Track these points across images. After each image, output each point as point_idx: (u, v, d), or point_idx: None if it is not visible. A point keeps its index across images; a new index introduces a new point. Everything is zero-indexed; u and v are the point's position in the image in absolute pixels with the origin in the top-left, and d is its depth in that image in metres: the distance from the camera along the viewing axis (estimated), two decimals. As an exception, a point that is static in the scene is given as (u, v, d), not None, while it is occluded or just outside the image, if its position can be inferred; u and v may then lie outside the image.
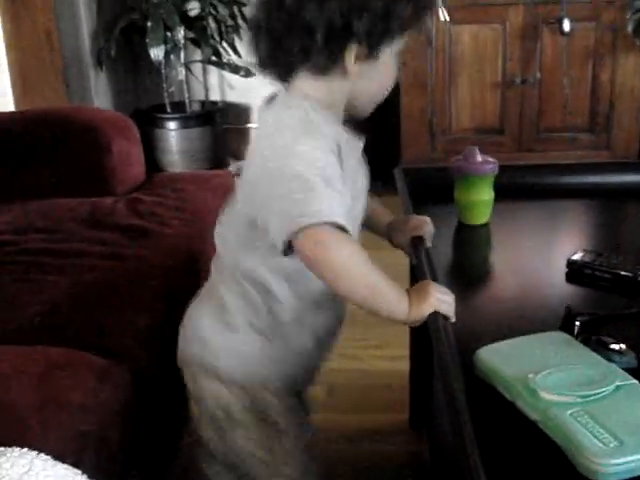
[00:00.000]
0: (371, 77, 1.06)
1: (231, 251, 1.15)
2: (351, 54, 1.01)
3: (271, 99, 1.10)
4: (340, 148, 1.03)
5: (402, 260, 1.38)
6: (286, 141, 1.01)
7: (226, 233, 1.17)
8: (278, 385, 1.17)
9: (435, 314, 1.00)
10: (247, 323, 1.14)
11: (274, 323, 1.14)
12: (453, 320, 1.01)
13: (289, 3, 0.99)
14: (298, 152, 0.99)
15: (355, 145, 1.09)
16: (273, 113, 1.08)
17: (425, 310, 1.01)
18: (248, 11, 3.43)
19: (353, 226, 1.04)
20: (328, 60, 1.02)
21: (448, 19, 2.98)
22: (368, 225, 1.25)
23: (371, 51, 1.02)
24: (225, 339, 1.16)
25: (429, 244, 1.22)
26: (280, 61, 1.05)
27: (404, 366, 1.82)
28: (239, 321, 1.14)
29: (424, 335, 1.05)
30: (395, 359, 1.98)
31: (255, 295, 1.12)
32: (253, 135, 1.13)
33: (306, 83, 1.05)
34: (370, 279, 1.01)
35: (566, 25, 2.98)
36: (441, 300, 1.02)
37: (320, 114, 1.04)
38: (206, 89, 3.76)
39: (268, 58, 1.06)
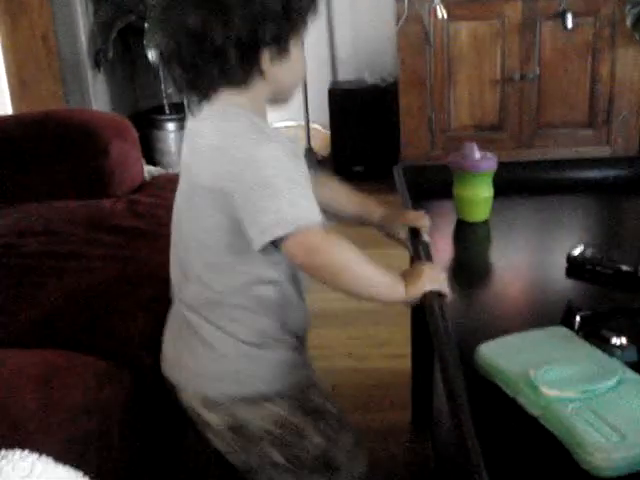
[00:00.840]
0: (288, 70, 1.08)
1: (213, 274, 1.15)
2: (266, 59, 1.04)
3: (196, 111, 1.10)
4: (293, 149, 1.06)
5: (401, 259, 1.38)
6: (246, 150, 1.02)
7: (200, 254, 1.18)
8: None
9: (432, 305, 1.00)
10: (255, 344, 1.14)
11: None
12: (449, 296, 1.04)
13: (196, 30, 1.00)
14: (262, 158, 1.00)
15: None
16: (210, 124, 1.08)
17: (420, 288, 1.04)
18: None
19: None
20: (246, 73, 1.04)
21: (446, 16, 2.98)
22: (360, 218, 1.26)
23: (283, 49, 1.05)
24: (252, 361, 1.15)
25: (426, 237, 1.22)
26: (199, 84, 1.06)
27: (406, 364, 1.81)
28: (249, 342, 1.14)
29: (425, 332, 1.04)
30: (397, 357, 1.98)
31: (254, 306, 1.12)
32: (189, 146, 1.13)
33: (230, 96, 1.06)
34: (366, 270, 1.03)
35: (569, 20, 2.96)
36: (434, 278, 1.05)
37: (263, 123, 1.07)
38: (205, 90, 3.76)
39: (187, 84, 1.07)
